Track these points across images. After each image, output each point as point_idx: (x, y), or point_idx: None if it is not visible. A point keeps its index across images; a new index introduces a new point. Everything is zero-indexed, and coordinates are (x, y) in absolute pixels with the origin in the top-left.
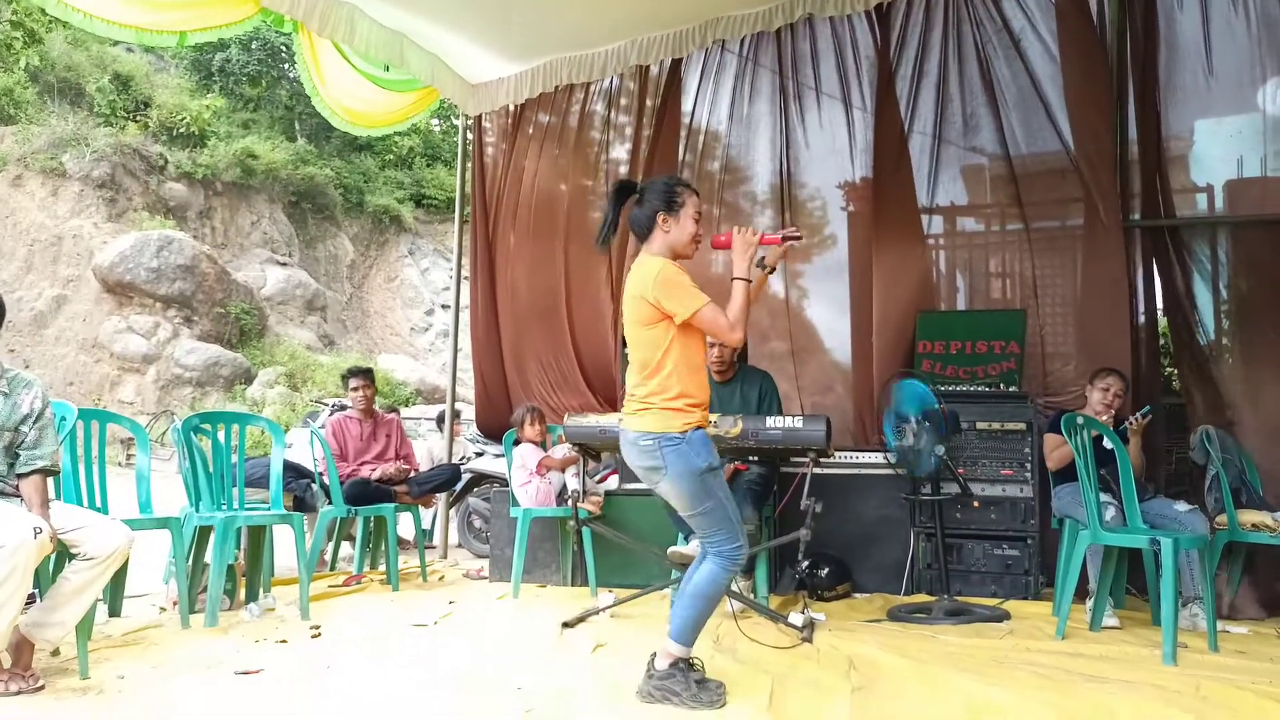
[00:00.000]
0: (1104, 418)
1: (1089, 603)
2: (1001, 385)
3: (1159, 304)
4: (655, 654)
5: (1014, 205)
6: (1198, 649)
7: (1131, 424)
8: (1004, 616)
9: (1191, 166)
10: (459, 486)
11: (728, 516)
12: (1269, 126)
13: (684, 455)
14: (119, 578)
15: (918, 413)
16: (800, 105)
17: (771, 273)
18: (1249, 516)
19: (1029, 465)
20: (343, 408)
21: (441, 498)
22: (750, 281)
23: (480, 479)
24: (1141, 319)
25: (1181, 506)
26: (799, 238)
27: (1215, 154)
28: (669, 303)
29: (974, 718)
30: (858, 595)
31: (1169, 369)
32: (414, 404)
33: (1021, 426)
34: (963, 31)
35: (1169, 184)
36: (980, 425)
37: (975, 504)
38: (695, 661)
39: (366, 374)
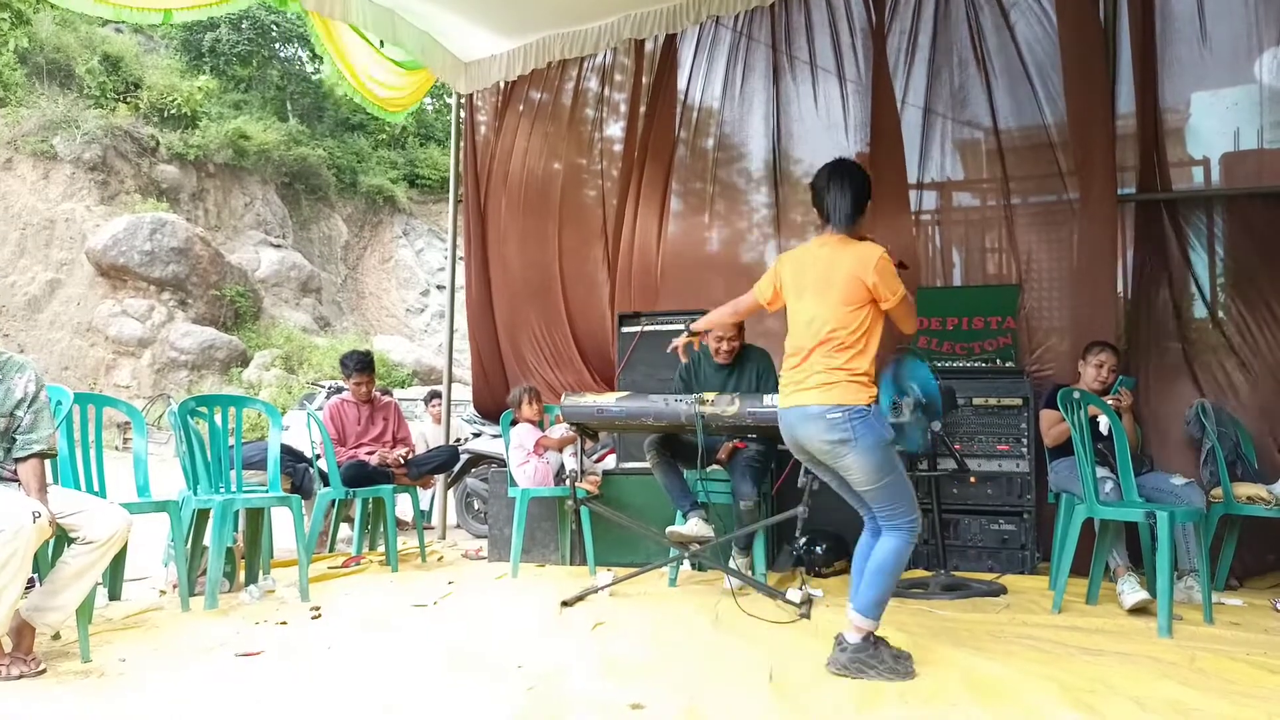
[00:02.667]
0: (1099, 392)
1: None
2: (997, 361)
3: (1154, 279)
4: (842, 633)
5: (1009, 180)
6: (1193, 621)
7: (1119, 399)
8: (1000, 591)
9: (1188, 139)
10: (457, 467)
11: (907, 488)
12: (1266, 98)
13: (873, 427)
14: (118, 561)
15: (919, 393)
16: (795, 80)
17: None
18: (1244, 489)
19: (1025, 440)
20: (339, 390)
21: (440, 479)
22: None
23: (478, 459)
24: (1134, 293)
25: (1178, 480)
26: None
27: (1212, 126)
28: (884, 289)
29: (971, 691)
30: None
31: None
32: (410, 385)
33: (1017, 402)
34: (956, 3)
35: (1165, 158)
36: (976, 401)
37: (972, 480)
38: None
39: (369, 367)
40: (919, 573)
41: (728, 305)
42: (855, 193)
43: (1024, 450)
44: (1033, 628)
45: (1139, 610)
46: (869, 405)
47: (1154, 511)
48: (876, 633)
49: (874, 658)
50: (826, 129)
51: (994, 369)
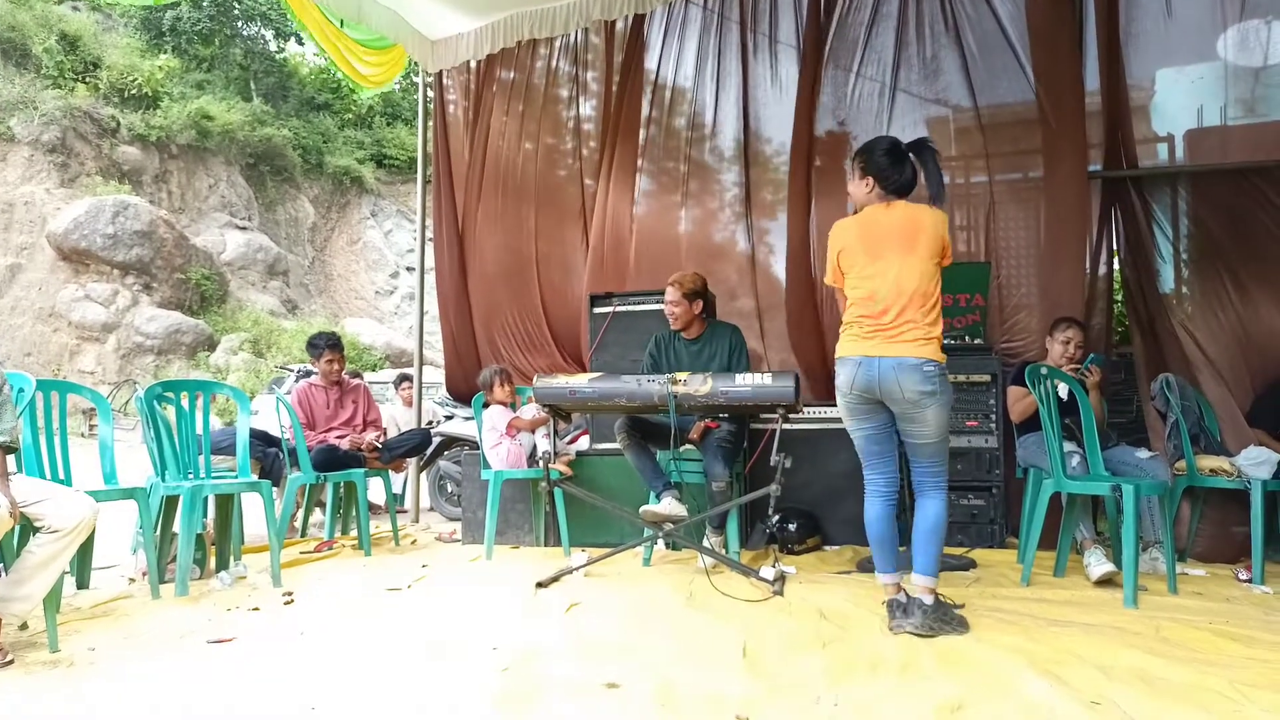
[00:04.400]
0: (1066, 369)
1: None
2: (967, 338)
3: (1120, 255)
4: (914, 596)
5: (979, 157)
6: (1158, 591)
7: (1087, 375)
8: (970, 565)
9: (1153, 116)
10: (429, 450)
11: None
12: (1229, 74)
13: (948, 387)
14: (85, 549)
15: None
16: (764, 60)
17: None
18: (1207, 462)
19: (994, 416)
20: (308, 374)
21: (412, 462)
22: None
23: (451, 442)
24: (1101, 270)
25: (1143, 453)
26: None
27: (1176, 103)
28: (949, 249)
29: (941, 663)
30: (828, 548)
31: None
32: (381, 368)
33: (986, 378)
34: None
35: (1131, 134)
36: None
37: None
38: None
39: (337, 346)
40: None
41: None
42: (912, 166)
43: (992, 426)
44: (1002, 600)
45: (1105, 582)
46: (944, 363)
47: (1119, 485)
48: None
49: (947, 616)
50: (792, 109)
51: (963, 346)
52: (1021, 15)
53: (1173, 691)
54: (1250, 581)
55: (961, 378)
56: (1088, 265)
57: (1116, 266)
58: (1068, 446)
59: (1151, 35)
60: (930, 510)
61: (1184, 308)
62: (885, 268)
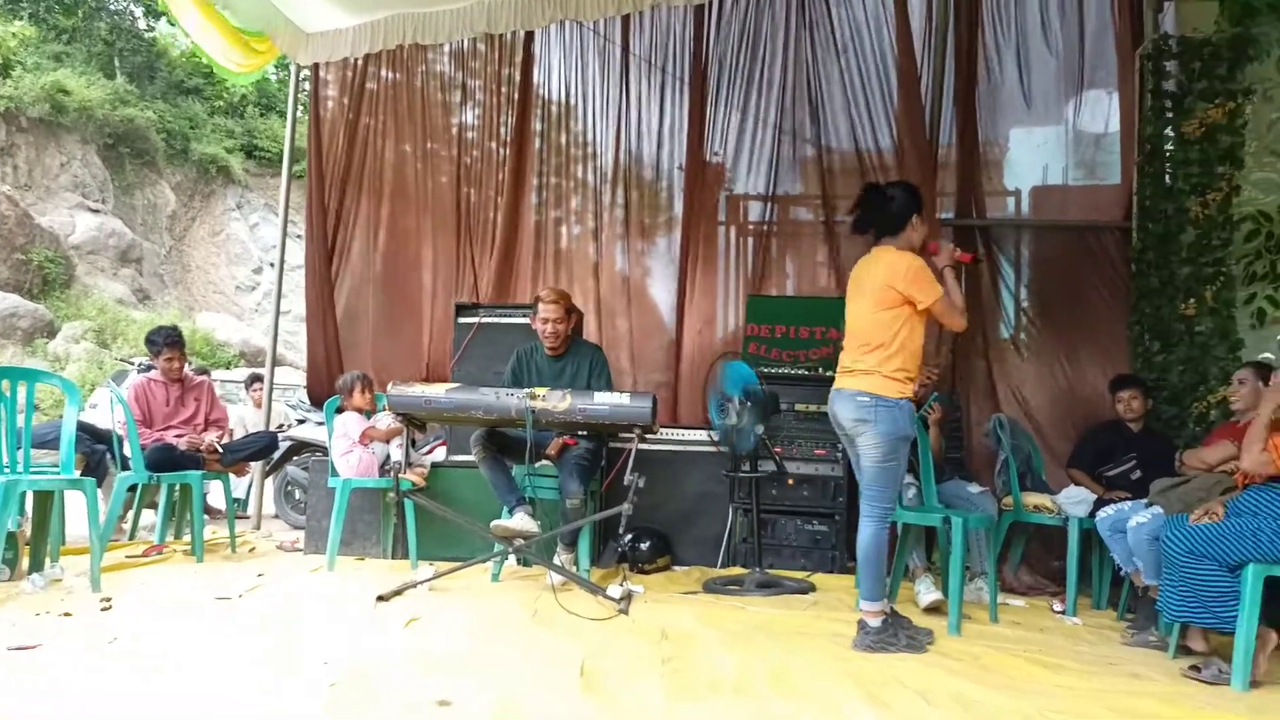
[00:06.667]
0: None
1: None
2: (820, 370)
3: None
4: (862, 618)
5: (846, 197)
6: (980, 620)
7: (929, 413)
8: (810, 589)
9: (1005, 171)
10: (277, 455)
11: (895, 482)
12: (1071, 139)
13: (894, 417)
14: None
15: (740, 393)
16: (646, 86)
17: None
18: (1032, 499)
19: (840, 446)
20: (150, 368)
21: (256, 466)
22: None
23: (301, 447)
24: None
25: (974, 488)
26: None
27: (1025, 161)
28: (918, 293)
29: (775, 685)
30: (677, 568)
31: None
32: (236, 366)
33: None
34: (798, 27)
35: (981, 186)
36: (799, 407)
37: (790, 481)
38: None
39: (177, 344)
40: (737, 570)
41: None
42: (886, 211)
43: (839, 455)
44: (837, 624)
45: (933, 609)
46: (897, 399)
47: (950, 517)
48: (898, 611)
49: (893, 638)
50: (671, 135)
51: (816, 377)
52: (887, 70)
53: (987, 717)
54: (1063, 613)
55: (813, 408)
56: None
57: None
58: (906, 479)
59: (1007, 96)
60: (862, 539)
61: (1019, 353)
62: (851, 310)
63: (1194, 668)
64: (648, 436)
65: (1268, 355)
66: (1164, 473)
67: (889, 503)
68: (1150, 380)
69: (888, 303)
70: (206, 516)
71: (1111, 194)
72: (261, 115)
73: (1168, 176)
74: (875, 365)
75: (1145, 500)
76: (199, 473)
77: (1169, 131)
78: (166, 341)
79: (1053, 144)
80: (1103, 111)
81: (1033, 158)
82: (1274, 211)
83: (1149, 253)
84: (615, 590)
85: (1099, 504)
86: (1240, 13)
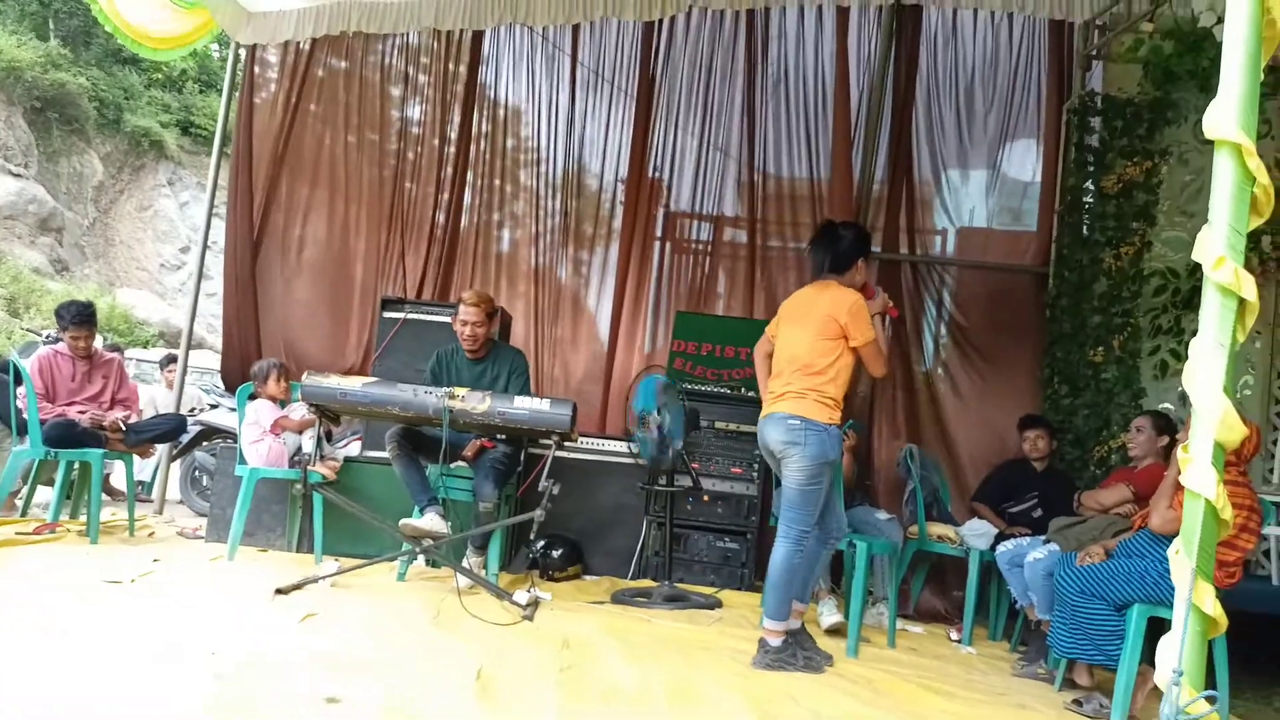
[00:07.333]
0: None
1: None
2: (742, 390)
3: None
4: (763, 637)
5: (777, 223)
6: (879, 644)
7: (845, 439)
8: (716, 605)
9: (936, 210)
10: (186, 439)
11: (813, 507)
12: (999, 185)
13: (822, 442)
14: None
15: (657, 408)
16: (593, 96)
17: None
18: (937, 529)
19: (756, 466)
20: (59, 340)
21: (162, 449)
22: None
23: (211, 432)
24: None
25: (882, 515)
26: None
27: (955, 202)
28: (855, 329)
29: (672, 697)
30: (588, 577)
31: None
32: (155, 346)
33: (754, 429)
34: (745, 55)
35: (911, 223)
36: (719, 425)
37: (705, 498)
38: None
39: (85, 323)
40: (648, 583)
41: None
42: (836, 249)
43: (754, 474)
44: (738, 641)
45: (834, 631)
46: (826, 424)
47: (855, 541)
48: (796, 629)
49: (791, 657)
50: (616, 149)
51: (738, 396)
52: (824, 102)
53: None
54: (960, 642)
55: (733, 426)
56: None
57: None
58: None
59: (940, 139)
60: (774, 560)
61: (936, 387)
62: (787, 336)
63: (1076, 701)
64: (567, 444)
65: (1167, 405)
66: (1064, 511)
67: (806, 525)
68: (1056, 422)
69: (829, 333)
70: (107, 497)
71: (1032, 240)
72: (201, 92)
73: (1085, 227)
74: (810, 388)
75: (1044, 537)
76: (100, 451)
77: (1089, 184)
78: (74, 319)
79: (980, 188)
80: (1030, 160)
81: (962, 200)
82: (1182, 269)
83: (1063, 299)
84: (522, 596)
85: (1000, 538)
86: (1162, 78)
